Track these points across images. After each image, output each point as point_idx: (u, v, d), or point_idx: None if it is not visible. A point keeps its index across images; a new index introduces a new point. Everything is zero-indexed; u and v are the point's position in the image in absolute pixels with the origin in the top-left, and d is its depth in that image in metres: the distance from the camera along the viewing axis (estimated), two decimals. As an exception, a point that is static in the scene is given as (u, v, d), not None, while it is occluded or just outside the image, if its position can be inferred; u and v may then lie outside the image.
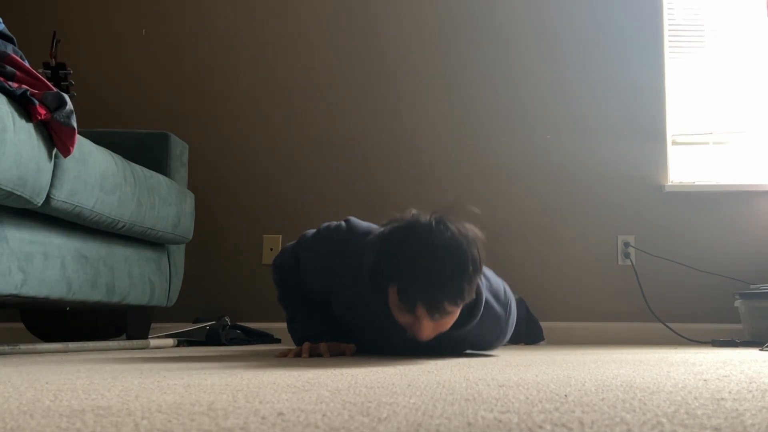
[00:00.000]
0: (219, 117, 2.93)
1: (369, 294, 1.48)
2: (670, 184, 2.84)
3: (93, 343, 1.96)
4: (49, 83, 1.60)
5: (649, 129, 2.88)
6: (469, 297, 1.38)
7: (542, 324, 2.58)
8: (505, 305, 1.64)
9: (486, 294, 1.54)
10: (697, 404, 0.69)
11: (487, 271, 1.59)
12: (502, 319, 1.63)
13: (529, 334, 2.52)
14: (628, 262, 2.80)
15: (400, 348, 1.62)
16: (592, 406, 0.67)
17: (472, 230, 1.39)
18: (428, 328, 1.39)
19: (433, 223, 1.37)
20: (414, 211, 1.42)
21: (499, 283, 1.66)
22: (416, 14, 2.97)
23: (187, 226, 2.33)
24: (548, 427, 0.55)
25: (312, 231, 1.71)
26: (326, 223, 1.69)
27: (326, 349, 1.59)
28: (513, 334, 2.43)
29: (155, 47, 2.97)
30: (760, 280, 2.62)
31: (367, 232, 1.59)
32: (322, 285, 1.64)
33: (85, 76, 2.69)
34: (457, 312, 1.40)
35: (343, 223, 1.65)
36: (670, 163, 2.87)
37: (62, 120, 1.54)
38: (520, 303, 2.48)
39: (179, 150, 2.46)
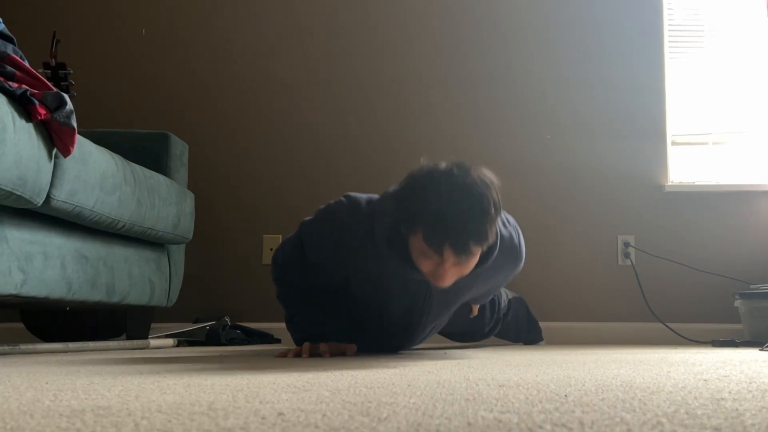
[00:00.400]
0: (219, 117, 2.93)
1: (386, 255, 1.51)
2: (670, 184, 2.84)
3: (93, 343, 1.96)
4: (49, 83, 1.60)
5: (649, 129, 2.88)
6: (492, 238, 1.42)
7: (542, 324, 2.57)
8: (514, 229, 1.68)
9: (501, 229, 1.58)
10: (697, 404, 0.69)
11: None
12: (516, 250, 1.68)
13: (529, 333, 2.52)
14: (628, 262, 2.80)
15: (421, 309, 1.66)
16: (592, 406, 0.67)
17: (488, 175, 1.42)
18: (451, 272, 1.43)
19: (453, 168, 1.40)
20: (425, 159, 1.45)
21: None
22: (417, 14, 2.97)
23: (187, 226, 2.33)
24: (548, 427, 0.55)
25: (310, 217, 1.71)
26: (323, 205, 1.69)
27: (326, 349, 1.60)
28: (513, 332, 2.45)
29: (155, 47, 2.97)
30: (760, 280, 2.62)
31: (369, 200, 1.62)
32: (336, 264, 1.63)
33: (85, 76, 2.69)
34: (479, 254, 1.45)
35: (342, 198, 1.66)
36: (670, 163, 2.87)
37: (62, 120, 1.54)
38: (521, 302, 2.48)
39: (179, 150, 2.46)
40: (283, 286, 1.76)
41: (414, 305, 1.67)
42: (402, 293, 1.64)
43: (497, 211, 1.40)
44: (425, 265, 1.44)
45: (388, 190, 1.59)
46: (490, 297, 2.02)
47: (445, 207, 1.36)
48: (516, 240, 1.68)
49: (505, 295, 2.34)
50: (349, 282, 1.67)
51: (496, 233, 1.49)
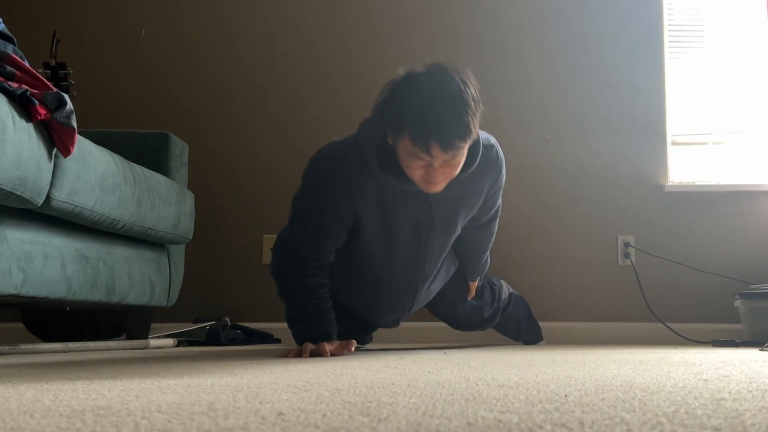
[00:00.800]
0: (219, 117, 2.93)
1: (378, 173, 1.58)
2: (670, 184, 2.84)
3: (93, 343, 1.96)
4: (49, 83, 1.60)
5: (649, 129, 2.88)
6: (475, 134, 1.50)
7: (542, 324, 2.57)
8: (489, 137, 1.76)
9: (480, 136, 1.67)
10: (697, 404, 0.69)
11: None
12: (496, 154, 1.76)
13: (530, 332, 2.52)
14: (628, 262, 2.80)
15: (426, 232, 1.75)
16: (592, 406, 0.67)
17: (466, 73, 1.50)
18: (441, 173, 1.50)
19: (429, 68, 1.49)
20: (402, 69, 1.52)
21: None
22: (417, 14, 2.97)
23: (187, 226, 2.33)
24: (548, 427, 0.55)
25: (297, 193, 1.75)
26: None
27: (327, 349, 1.60)
28: (513, 329, 2.46)
29: (155, 47, 2.97)
30: (760, 280, 2.62)
31: (341, 140, 1.72)
32: (339, 212, 1.65)
33: (85, 76, 2.69)
34: (465, 150, 1.52)
35: (312, 157, 1.72)
36: (670, 163, 2.87)
37: (62, 120, 1.54)
38: (522, 301, 2.49)
39: (179, 150, 2.46)
40: (284, 282, 1.75)
41: (419, 231, 1.74)
42: (405, 216, 1.70)
43: (477, 104, 1.47)
44: (416, 170, 1.51)
45: (366, 118, 1.67)
46: (486, 251, 2.09)
47: (426, 105, 1.43)
48: (496, 148, 1.77)
49: (506, 288, 2.39)
50: (358, 229, 1.70)
51: (478, 132, 1.58)
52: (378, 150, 1.58)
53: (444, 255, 1.90)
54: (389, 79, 1.52)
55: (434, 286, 1.99)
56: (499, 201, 1.93)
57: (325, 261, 1.73)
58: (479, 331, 2.40)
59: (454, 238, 1.87)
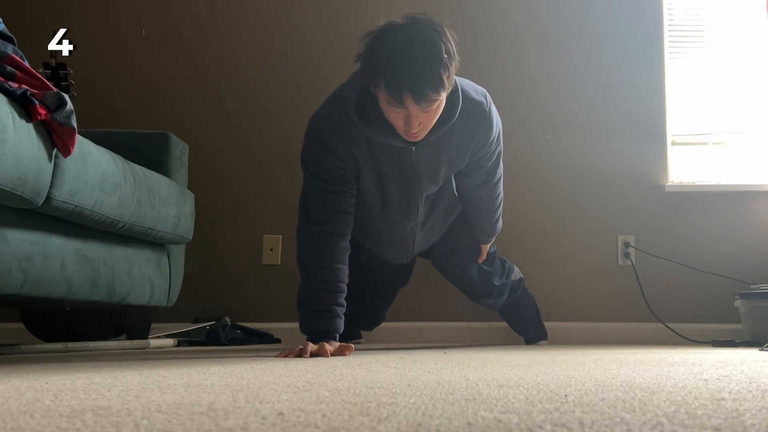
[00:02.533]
0: (219, 117, 2.93)
1: (357, 123, 1.65)
2: (670, 184, 2.84)
3: (93, 343, 1.96)
4: (49, 83, 1.60)
5: (649, 129, 2.88)
6: (449, 85, 1.55)
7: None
8: (482, 96, 1.81)
9: (469, 93, 1.73)
10: (697, 404, 0.69)
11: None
12: (484, 111, 1.79)
13: (535, 328, 2.54)
14: (628, 262, 2.80)
15: (413, 179, 1.82)
16: (592, 406, 0.67)
17: (443, 27, 1.55)
18: (417, 119, 1.56)
19: (406, 20, 1.54)
20: (383, 20, 1.59)
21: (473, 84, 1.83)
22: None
23: (187, 226, 2.33)
24: (548, 427, 0.55)
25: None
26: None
27: (327, 350, 1.61)
28: (521, 322, 2.50)
29: (155, 47, 2.97)
30: (760, 280, 2.62)
31: (330, 97, 1.79)
32: (344, 160, 1.72)
33: (85, 76, 2.69)
34: (442, 101, 1.58)
35: (314, 112, 1.80)
36: (670, 163, 2.87)
37: (62, 120, 1.54)
38: (532, 299, 2.52)
39: (179, 150, 2.46)
40: (301, 248, 1.77)
41: (405, 181, 1.82)
42: (391, 166, 1.77)
43: (450, 57, 1.51)
44: (395, 119, 1.58)
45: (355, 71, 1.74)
46: (492, 213, 2.14)
47: (400, 57, 1.48)
48: (486, 106, 1.79)
49: (518, 272, 2.49)
50: (358, 180, 1.79)
51: (457, 85, 1.64)
52: (358, 102, 1.65)
53: (439, 202, 1.99)
54: (369, 31, 1.58)
55: (434, 227, 2.09)
56: (495, 164, 1.95)
57: (337, 225, 1.74)
58: (492, 309, 2.45)
59: (443, 186, 1.95)
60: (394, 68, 1.49)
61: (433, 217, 2.04)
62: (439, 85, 1.50)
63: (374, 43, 1.54)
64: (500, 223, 2.22)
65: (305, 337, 1.71)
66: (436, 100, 1.53)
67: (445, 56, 1.49)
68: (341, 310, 1.73)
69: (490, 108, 1.80)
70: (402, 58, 1.48)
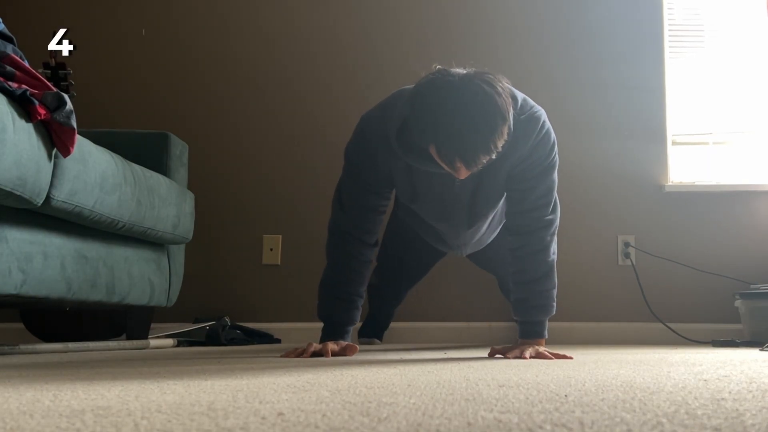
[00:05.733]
0: (219, 117, 2.93)
1: (398, 151, 1.62)
2: (670, 184, 2.84)
3: (93, 343, 1.96)
4: (49, 83, 1.60)
5: (649, 129, 2.88)
6: (502, 147, 1.49)
7: (542, 324, 2.58)
8: (534, 112, 1.71)
9: (516, 107, 1.64)
10: (697, 404, 0.69)
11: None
12: (532, 124, 1.68)
13: None
14: (628, 262, 2.80)
15: (453, 205, 1.81)
16: (592, 406, 0.67)
17: (499, 80, 1.48)
18: (466, 174, 1.53)
19: (463, 77, 1.46)
20: (438, 67, 1.52)
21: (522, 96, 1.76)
22: (414, 14, 2.97)
23: (187, 226, 2.33)
24: (548, 427, 0.55)
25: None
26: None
27: (329, 350, 1.61)
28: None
29: (155, 47, 2.97)
30: (760, 280, 2.62)
31: (383, 107, 1.74)
32: (380, 168, 1.73)
33: (85, 76, 2.69)
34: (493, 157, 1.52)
35: (370, 110, 1.78)
36: (670, 163, 2.87)
37: (62, 120, 1.54)
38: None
39: (179, 150, 2.46)
40: (330, 236, 1.81)
41: (445, 207, 1.82)
42: (430, 191, 1.76)
43: (504, 120, 1.45)
44: (444, 167, 1.53)
45: (401, 90, 1.70)
46: (534, 281, 1.79)
47: (452, 125, 1.42)
48: (535, 114, 1.70)
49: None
50: (395, 187, 1.81)
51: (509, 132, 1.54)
52: (399, 135, 1.62)
53: (484, 226, 1.98)
54: (421, 80, 1.50)
55: (482, 238, 2.09)
56: (537, 184, 1.73)
57: (368, 222, 1.77)
58: None
59: (490, 210, 1.89)
60: (446, 138, 1.43)
61: (485, 230, 2.04)
62: (491, 152, 1.46)
63: (425, 106, 1.47)
64: (550, 306, 1.80)
65: (316, 330, 1.78)
66: (485, 161, 1.49)
67: (500, 121, 1.43)
68: (360, 302, 1.77)
69: (540, 125, 1.70)
70: (454, 129, 1.41)
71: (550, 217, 1.78)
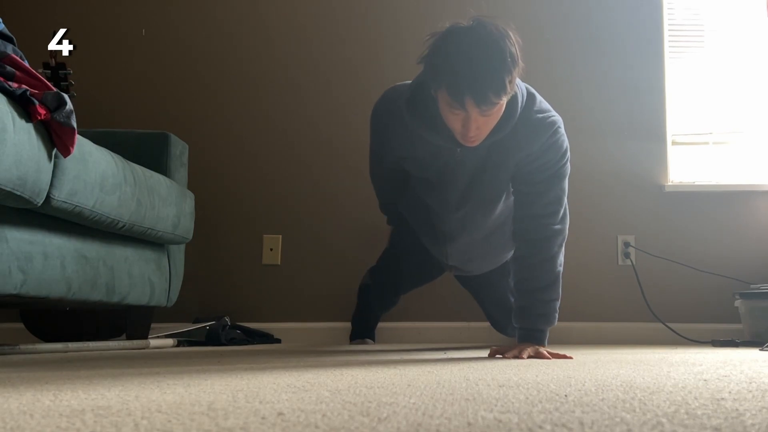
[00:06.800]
0: (219, 117, 2.93)
1: (409, 120, 1.71)
2: (670, 184, 2.84)
3: (93, 343, 1.96)
4: (49, 83, 1.60)
5: (649, 129, 2.88)
6: (511, 90, 1.53)
7: (542, 324, 2.58)
8: (550, 116, 1.74)
9: (524, 90, 1.70)
10: (697, 404, 0.69)
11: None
12: (545, 126, 1.73)
13: None
14: (628, 262, 2.80)
15: (451, 182, 1.85)
16: (592, 406, 0.67)
17: (509, 32, 1.54)
18: (476, 123, 1.55)
19: (472, 23, 1.54)
20: (448, 22, 1.59)
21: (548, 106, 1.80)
22: (414, 14, 2.97)
23: (187, 226, 2.33)
24: (548, 427, 0.55)
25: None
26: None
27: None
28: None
29: (155, 47, 2.97)
30: (760, 280, 2.62)
31: (394, 88, 1.89)
32: (394, 144, 1.88)
33: (85, 76, 2.69)
34: (502, 105, 1.57)
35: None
36: (670, 163, 2.87)
37: (62, 120, 1.54)
38: None
39: (179, 150, 2.46)
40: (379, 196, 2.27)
41: (443, 184, 1.88)
42: (433, 164, 1.83)
43: (514, 61, 1.51)
44: (454, 121, 1.58)
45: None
46: (537, 288, 1.75)
47: (463, 60, 1.48)
48: (551, 118, 1.73)
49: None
50: (406, 163, 1.93)
51: (518, 90, 1.61)
52: (410, 99, 1.68)
53: (479, 225, 1.95)
54: (434, 31, 1.57)
55: (475, 252, 2.08)
56: (548, 187, 1.72)
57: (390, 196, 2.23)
58: None
59: (483, 207, 1.90)
60: (457, 70, 1.49)
61: (477, 241, 2.00)
62: (501, 89, 1.49)
63: (438, 44, 1.54)
64: (551, 316, 1.77)
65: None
66: (496, 103, 1.53)
67: (509, 60, 1.49)
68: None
69: (556, 128, 1.72)
70: (465, 61, 1.48)
71: (558, 226, 1.77)
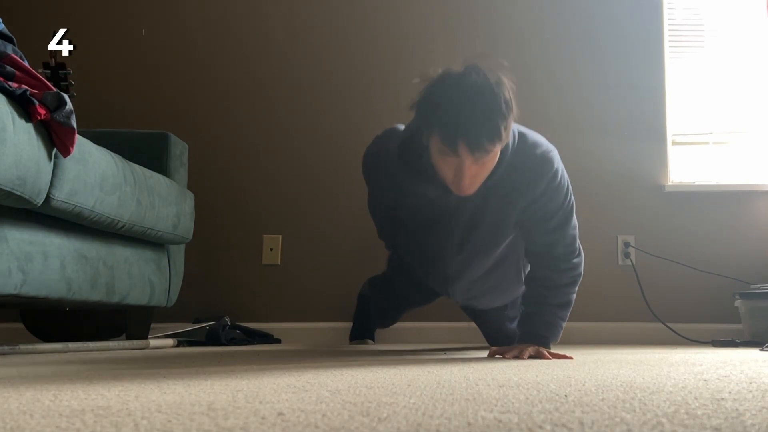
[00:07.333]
0: (219, 117, 2.93)
1: (399, 168, 1.69)
2: (670, 184, 2.84)
3: (93, 343, 1.96)
4: (48, 83, 1.60)
5: (649, 129, 2.88)
6: (506, 137, 1.49)
7: (542, 324, 2.58)
8: (545, 150, 1.69)
9: (518, 130, 1.64)
10: (697, 404, 0.69)
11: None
12: (544, 163, 1.67)
13: None
14: (628, 262, 2.80)
15: (448, 230, 1.78)
16: (592, 406, 0.67)
17: (502, 76, 1.49)
18: (469, 172, 1.49)
19: (465, 69, 1.49)
20: (441, 68, 1.54)
21: (543, 140, 1.74)
22: (416, 15, 2.97)
23: (187, 226, 2.33)
24: (548, 427, 0.55)
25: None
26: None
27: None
28: None
29: (155, 47, 2.97)
30: (760, 280, 2.62)
31: (382, 136, 1.90)
32: (382, 189, 1.89)
33: (85, 76, 2.69)
34: (496, 153, 1.52)
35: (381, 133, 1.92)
36: (670, 163, 2.87)
37: (62, 120, 1.54)
38: None
39: (179, 150, 2.46)
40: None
41: (439, 232, 1.80)
42: (428, 212, 1.79)
43: (509, 108, 1.46)
44: (446, 169, 1.52)
45: (393, 127, 1.87)
46: (548, 304, 1.76)
47: (457, 105, 1.43)
48: (547, 158, 1.67)
49: None
50: (397, 211, 1.92)
51: (512, 135, 1.56)
52: (401, 148, 1.65)
53: (482, 266, 1.82)
54: (425, 76, 1.53)
55: (476, 290, 1.92)
56: (559, 227, 1.72)
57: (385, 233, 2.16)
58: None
59: (485, 251, 1.79)
60: (451, 115, 1.44)
61: (481, 278, 1.88)
62: (495, 136, 1.44)
63: (430, 90, 1.50)
64: (556, 329, 1.77)
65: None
66: (491, 150, 1.48)
67: (504, 106, 1.44)
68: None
69: (554, 166, 1.68)
70: (459, 106, 1.43)
71: (577, 271, 1.77)
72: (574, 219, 1.76)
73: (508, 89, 1.47)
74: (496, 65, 1.50)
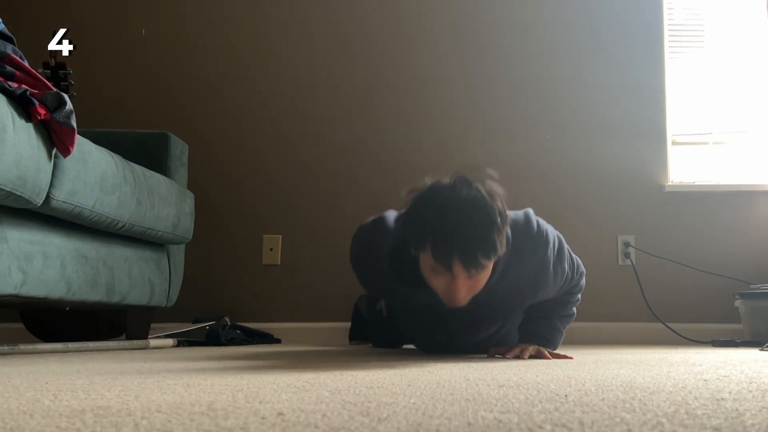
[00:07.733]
0: (219, 117, 2.93)
1: (390, 276, 1.58)
2: (670, 184, 2.84)
3: (93, 343, 1.96)
4: (48, 83, 1.60)
5: (649, 129, 2.88)
6: (501, 249, 1.41)
7: (542, 324, 2.57)
8: (540, 241, 1.61)
9: (509, 232, 1.53)
10: (697, 404, 0.69)
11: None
12: (543, 269, 1.59)
13: None
14: (628, 262, 2.80)
15: (446, 332, 1.72)
16: (592, 406, 0.67)
17: (492, 186, 1.43)
18: (464, 288, 1.42)
19: (455, 182, 1.42)
20: (429, 178, 1.47)
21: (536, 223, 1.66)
22: (418, 16, 2.97)
23: (187, 226, 2.33)
24: (548, 427, 0.55)
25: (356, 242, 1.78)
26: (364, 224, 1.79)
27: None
28: None
29: (155, 47, 2.97)
30: (760, 280, 2.62)
31: (372, 232, 1.70)
32: (372, 282, 1.77)
33: (85, 76, 2.69)
34: (490, 267, 1.44)
35: (371, 220, 1.75)
36: (670, 163, 2.87)
37: (62, 120, 1.54)
38: None
39: (179, 150, 2.46)
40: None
41: (439, 332, 1.74)
42: (426, 316, 1.70)
43: (503, 221, 1.39)
44: (438, 284, 1.44)
45: (383, 217, 1.67)
46: (552, 320, 1.80)
47: (449, 222, 1.36)
48: (546, 249, 1.61)
49: None
50: (388, 300, 1.85)
51: (506, 243, 1.47)
52: (392, 257, 1.56)
53: (490, 330, 1.78)
54: (414, 189, 1.46)
55: (484, 345, 1.84)
56: (568, 294, 1.76)
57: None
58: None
59: (487, 327, 1.75)
60: (443, 231, 1.37)
61: (486, 341, 1.82)
62: (491, 250, 1.38)
63: (420, 204, 1.42)
64: (557, 338, 1.83)
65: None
66: (486, 266, 1.42)
67: (497, 218, 1.37)
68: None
69: (547, 253, 1.62)
70: (451, 223, 1.36)
71: (578, 293, 1.81)
72: (575, 259, 1.75)
73: (501, 199, 1.41)
74: (484, 176, 1.44)
